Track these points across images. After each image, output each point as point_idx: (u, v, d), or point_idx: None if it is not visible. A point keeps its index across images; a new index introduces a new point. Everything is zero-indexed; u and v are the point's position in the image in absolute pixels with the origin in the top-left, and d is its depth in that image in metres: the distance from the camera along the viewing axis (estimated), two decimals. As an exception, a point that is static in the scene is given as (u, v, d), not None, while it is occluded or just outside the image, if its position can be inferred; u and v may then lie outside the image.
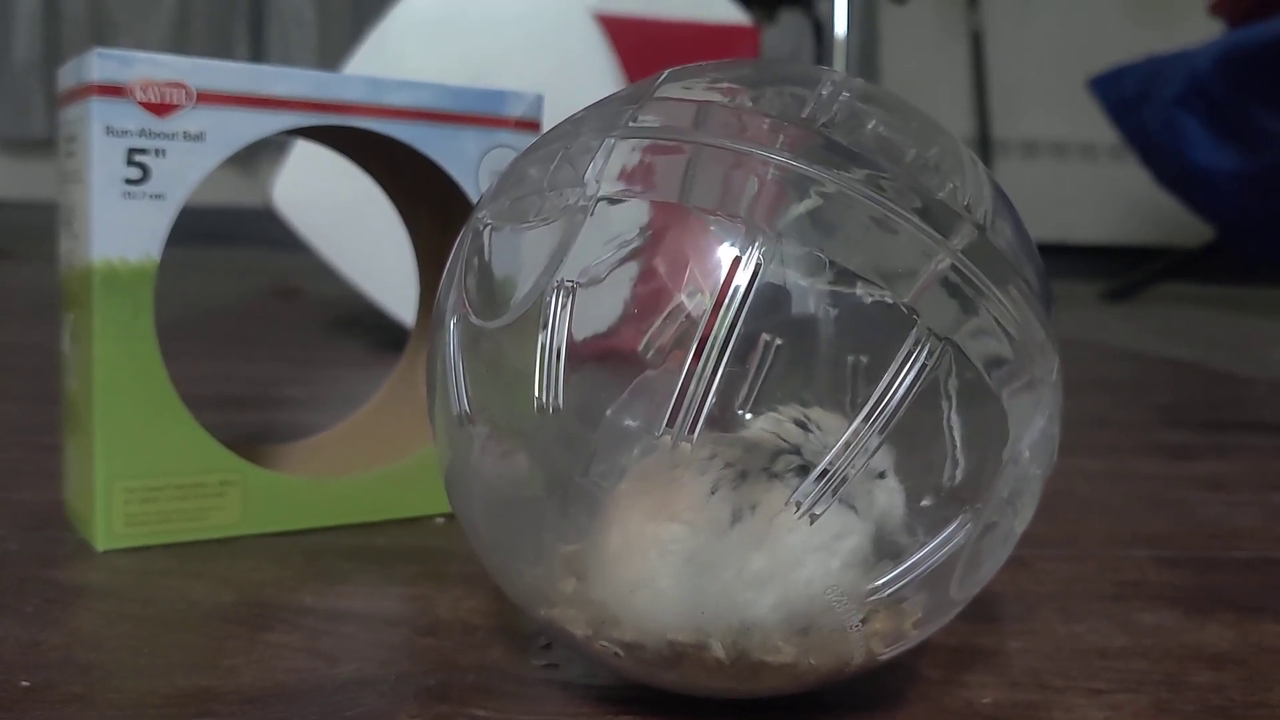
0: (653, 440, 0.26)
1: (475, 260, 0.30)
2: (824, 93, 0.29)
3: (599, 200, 0.27)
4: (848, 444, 0.25)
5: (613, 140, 0.28)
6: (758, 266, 0.25)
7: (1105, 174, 2.77)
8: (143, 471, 0.42)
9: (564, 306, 0.27)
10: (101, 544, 0.42)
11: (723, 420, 0.26)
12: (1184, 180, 2.05)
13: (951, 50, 2.77)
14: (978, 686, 0.32)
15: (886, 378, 0.25)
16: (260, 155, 2.39)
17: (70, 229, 0.43)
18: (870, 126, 0.28)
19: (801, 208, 0.26)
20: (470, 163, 0.47)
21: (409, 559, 0.42)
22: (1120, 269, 2.41)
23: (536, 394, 0.27)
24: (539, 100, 0.49)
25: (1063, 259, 2.88)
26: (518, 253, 0.29)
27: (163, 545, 0.42)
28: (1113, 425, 0.80)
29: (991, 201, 0.29)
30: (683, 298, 0.25)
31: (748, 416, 0.26)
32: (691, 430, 0.25)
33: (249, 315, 1.31)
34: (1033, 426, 0.28)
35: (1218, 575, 0.45)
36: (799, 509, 0.26)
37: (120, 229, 0.41)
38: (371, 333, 1.09)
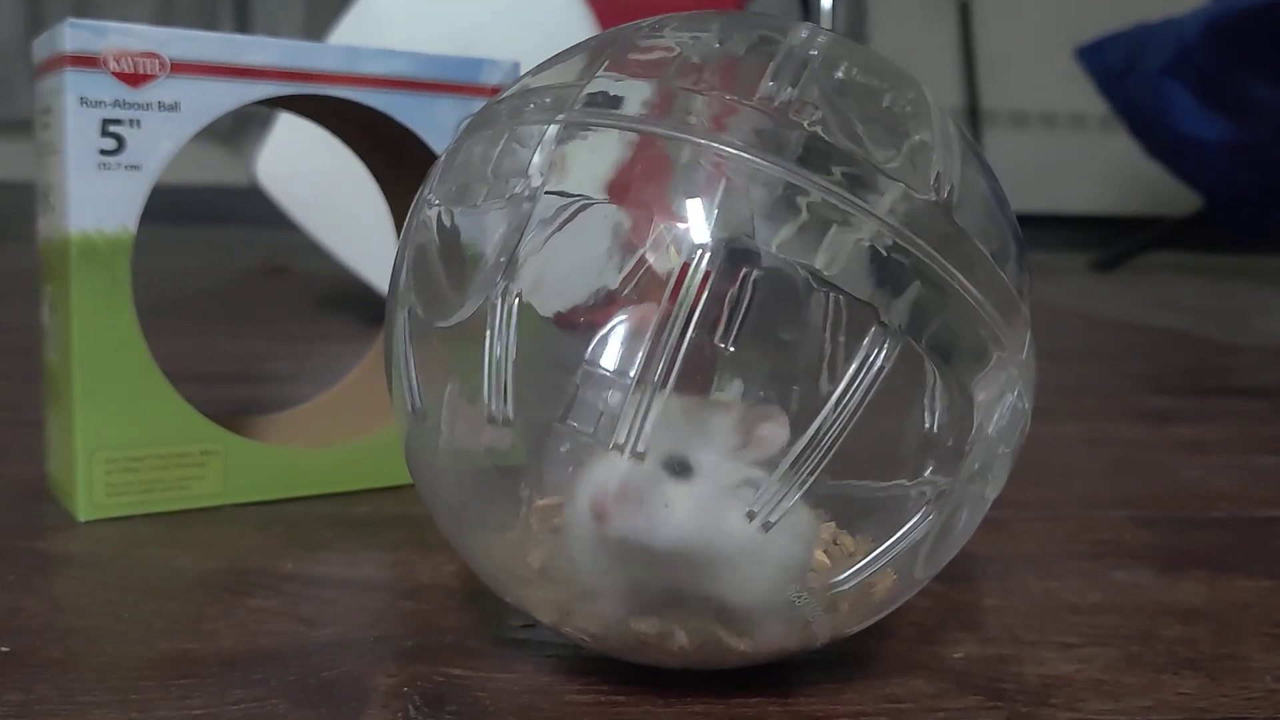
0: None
1: (423, 246, 0.29)
2: (794, 51, 0.28)
3: (543, 193, 0.26)
4: (801, 455, 0.25)
5: (557, 128, 0.27)
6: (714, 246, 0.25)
7: (1095, 144, 2.76)
8: (123, 441, 0.42)
9: (509, 316, 0.26)
10: (83, 514, 0.42)
11: (694, 380, 0.25)
12: (1172, 150, 2.05)
13: (939, 21, 2.76)
14: (950, 642, 0.33)
15: (844, 381, 0.25)
16: (246, 132, 2.37)
17: (47, 201, 0.43)
18: (838, 92, 0.28)
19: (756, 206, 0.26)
20: (447, 131, 0.47)
21: (390, 526, 0.42)
22: (1110, 239, 2.41)
23: (485, 403, 0.26)
24: (515, 67, 0.49)
25: (1052, 229, 2.88)
26: (464, 240, 0.29)
27: (145, 515, 0.43)
28: (1095, 392, 0.81)
29: (959, 167, 0.28)
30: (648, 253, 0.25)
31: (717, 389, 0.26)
32: (664, 385, 0.25)
33: (236, 293, 1.31)
34: (1001, 405, 0.28)
35: (1193, 534, 0.45)
36: (753, 518, 0.26)
37: (96, 200, 0.41)
38: (359, 308, 1.09)
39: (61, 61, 0.41)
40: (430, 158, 0.47)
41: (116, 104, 0.41)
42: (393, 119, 0.46)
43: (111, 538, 0.40)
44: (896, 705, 0.29)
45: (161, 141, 0.42)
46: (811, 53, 0.28)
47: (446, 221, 0.29)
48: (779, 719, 0.28)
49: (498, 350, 0.26)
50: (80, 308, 0.41)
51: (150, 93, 0.42)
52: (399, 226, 0.53)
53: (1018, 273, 0.28)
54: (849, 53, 0.29)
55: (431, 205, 0.29)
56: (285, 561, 0.38)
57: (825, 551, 0.27)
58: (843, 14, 2.49)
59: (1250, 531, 0.46)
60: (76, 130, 0.41)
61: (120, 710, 0.27)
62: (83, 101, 0.41)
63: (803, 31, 0.29)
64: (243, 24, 2.54)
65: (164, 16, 2.47)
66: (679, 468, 0.25)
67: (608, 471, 0.25)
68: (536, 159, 0.27)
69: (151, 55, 0.41)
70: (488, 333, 0.26)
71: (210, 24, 2.50)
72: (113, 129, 0.41)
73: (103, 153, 0.41)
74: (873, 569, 0.27)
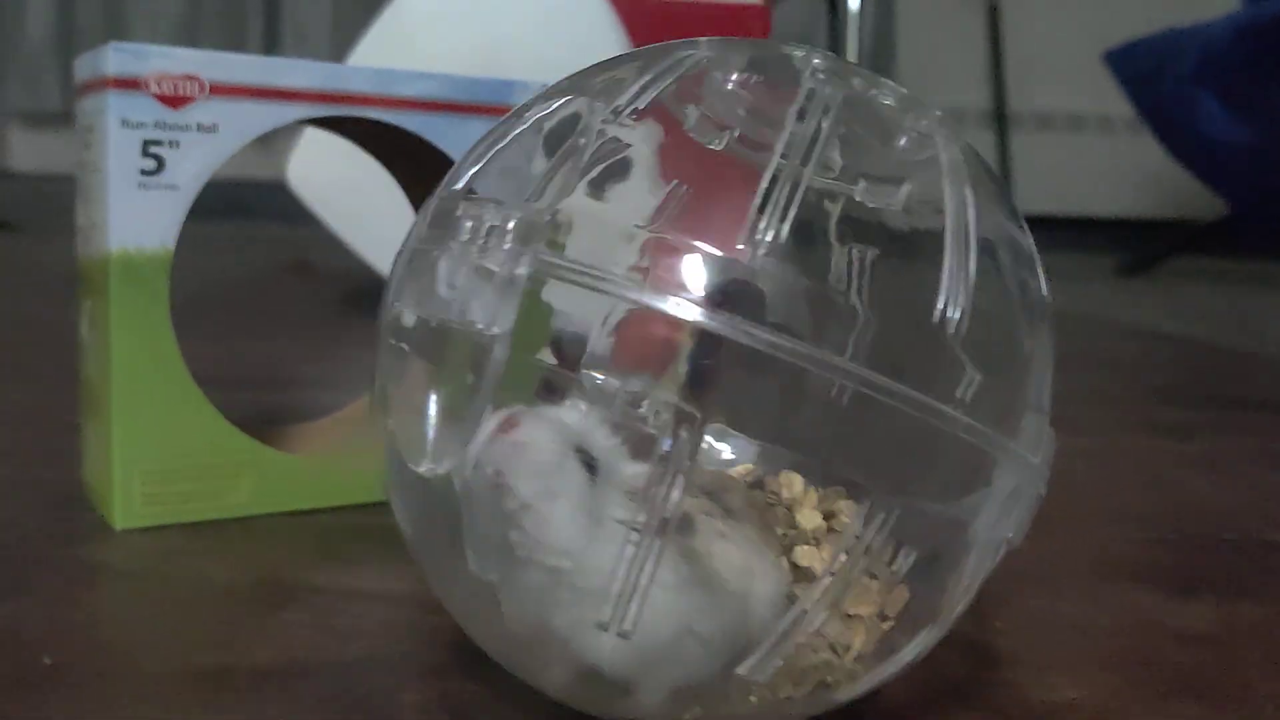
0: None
1: (395, 368, 0.29)
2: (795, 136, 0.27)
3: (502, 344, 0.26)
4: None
5: (523, 272, 0.26)
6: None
7: (1122, 147, 2.75)
8: (159, 454, 0.44)
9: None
10: (120, 523, 0.43)
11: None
12: (1198, 155, 2.05)
13: (968, 22, 2.75)
14: (956, 664, 0.34)
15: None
16: (275, 131, 2.39)
17: (88, 217, 0.45)
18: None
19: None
20: (476, 151, 0.48)
21: (416, 539, 0.44)
22: (1136, 243, 2.41)
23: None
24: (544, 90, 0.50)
25: (1078, 232, 2.87)
26: (433, 374, 0.28)
27: (179, 524, 0.44)
28: (1112, 403, 0.81)
29: (970, 228, 0.26)
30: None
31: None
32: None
33: (263, 291, 1.32)
34: (1008, 505, 0.28)
35: (1203, 556, 0.46)
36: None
37: (136, 219, 0.42)
38: (384, 309, 1.10)
39: (104, 84, 0.42)
40: (459, 177, 0.48)
41: (157, 125, 0.42)
42: (424, 140, 0.47)
43: (147, 547, 0.42)
44: (905, 728, 0.30)
45: (200, 162, 0.43)
46: (821, 123, 0.27)
47: (414, 343, 0.29)
48: (791, 741, 0.29)
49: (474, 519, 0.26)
50: (119, 324, 0.42)
51: (190, 115, 0.43)
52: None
53: (1030, 357, 0.28)
54: (856, 108, 0.28)
55: (399, 320, 0.29)
56: (315, 574, 0.39)
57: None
58: (870, 17, 2.49)
59: (1260, 555, 0.47)
60: (118, 151, 0.42)
61: (161, 723, 0.28)
62: (124, 123, 0.42)
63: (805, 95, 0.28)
64: (271, 30, 2.56)
65: (193, 18, 2.49)
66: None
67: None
68: (498, 309, 0.26)
69: (191, 78, 0.43)
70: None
71: (239, 31, 2.52)
72: (153, 150, 0.42)
73: (143, 173, 0.42)
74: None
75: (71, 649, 0.33)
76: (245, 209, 2.34)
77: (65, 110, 2.61)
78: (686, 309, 0.24)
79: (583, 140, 0.28)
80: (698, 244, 0.25)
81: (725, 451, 0.32)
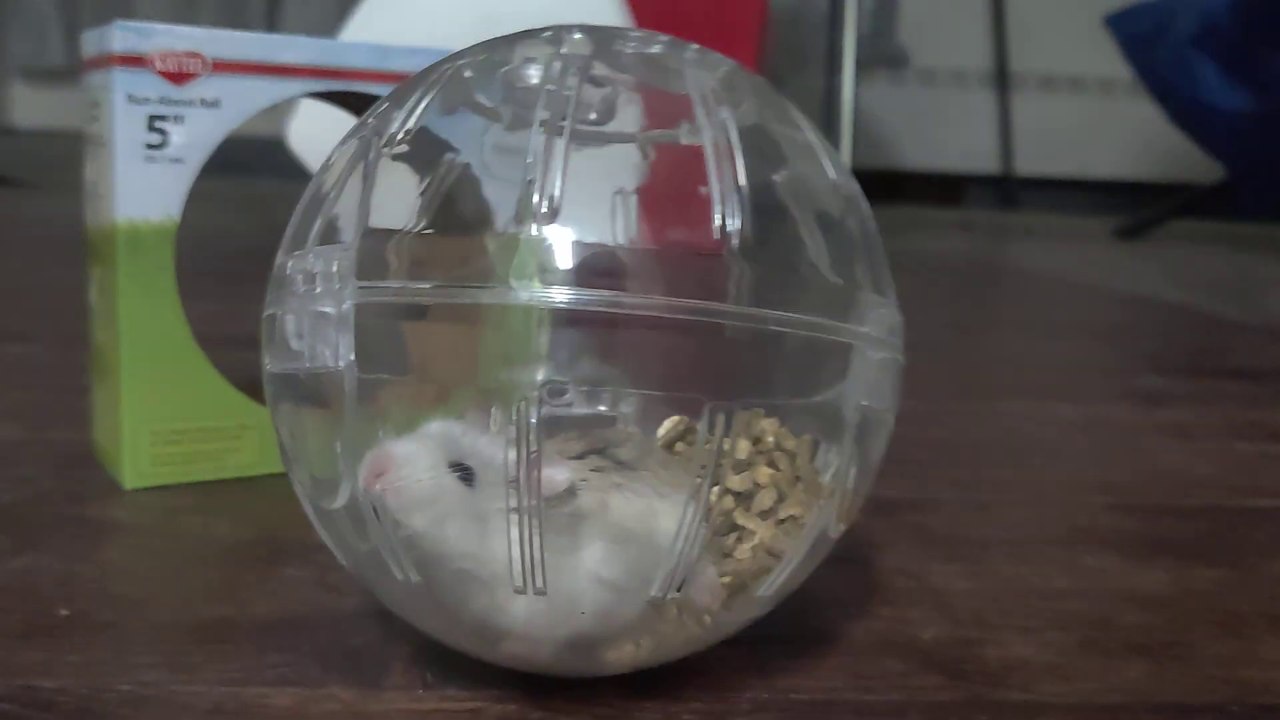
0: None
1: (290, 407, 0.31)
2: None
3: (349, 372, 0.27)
4: None
5: (345, 309, 0.28)
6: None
7: (1122, 110, 2.76)
8: (167, 416, 0.46)
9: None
10: (129, 483, 0.45)
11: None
12: (1195, 120, 2.05)
13: (970, -17, 2.75)
14: (921, 623, 0.36)
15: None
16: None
17: (95, 189, 0.46)
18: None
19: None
20: (471, 125, 0.50)
21: (411, 499, 0.46)
22: (1136, 205, 2.42)
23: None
24: (537, 65, 0.51)
25: (1077, 194, 2.88)
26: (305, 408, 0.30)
27: (185, 484, 0.46)
28: (1095, 371, 0.83)
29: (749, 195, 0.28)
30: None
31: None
32: None
33: (262, 250, 1.33)
34: (872, 383, 0.29)
35: (1165, 522, 0.48)
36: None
37: (142, 191, 0.44)
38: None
39: (110, 60, 0.43)
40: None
41: (162, 101, 0.44)
42: (419, 114, 0.49)
43: (154, 505, 0.44)
44: (866, 683, 0.32)
45: (204, 136, 0.45)
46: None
47: (291, 396, 0.30)
48: (768, 707, 0.31)
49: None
50: (127, 292, 0.44)
51: (193, 90, 0.44)
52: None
53: (852, 253, 0.30)
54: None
55: (270, 374, 0.31)
56: (314, 532, 0.41)
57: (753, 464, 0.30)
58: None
59: (1221, 520, 0.48)
60: (124, 126, 0.43)
61: (170, 672, 0.30)
62: (130, 99, 0.43)
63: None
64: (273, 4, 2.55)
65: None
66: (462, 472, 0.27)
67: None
68: (338, 343, 0.28)
69: (194, 55, 0.44)
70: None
71: (241, 6, 2.52)
72: (158, 124, 0.44)
73: (149, 147, 0.44)
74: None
75: (85, 601, 0.35)
76: (242, 166, 2.35)
77: (69, 66, 2.61)
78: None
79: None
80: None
81: (601, 409, 0.33)
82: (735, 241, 0.27)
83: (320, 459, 0.29)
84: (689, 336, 0.26)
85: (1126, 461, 0.58)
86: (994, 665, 0.33)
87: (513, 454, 0.26)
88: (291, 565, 0.38)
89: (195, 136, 0.45)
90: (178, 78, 0.44)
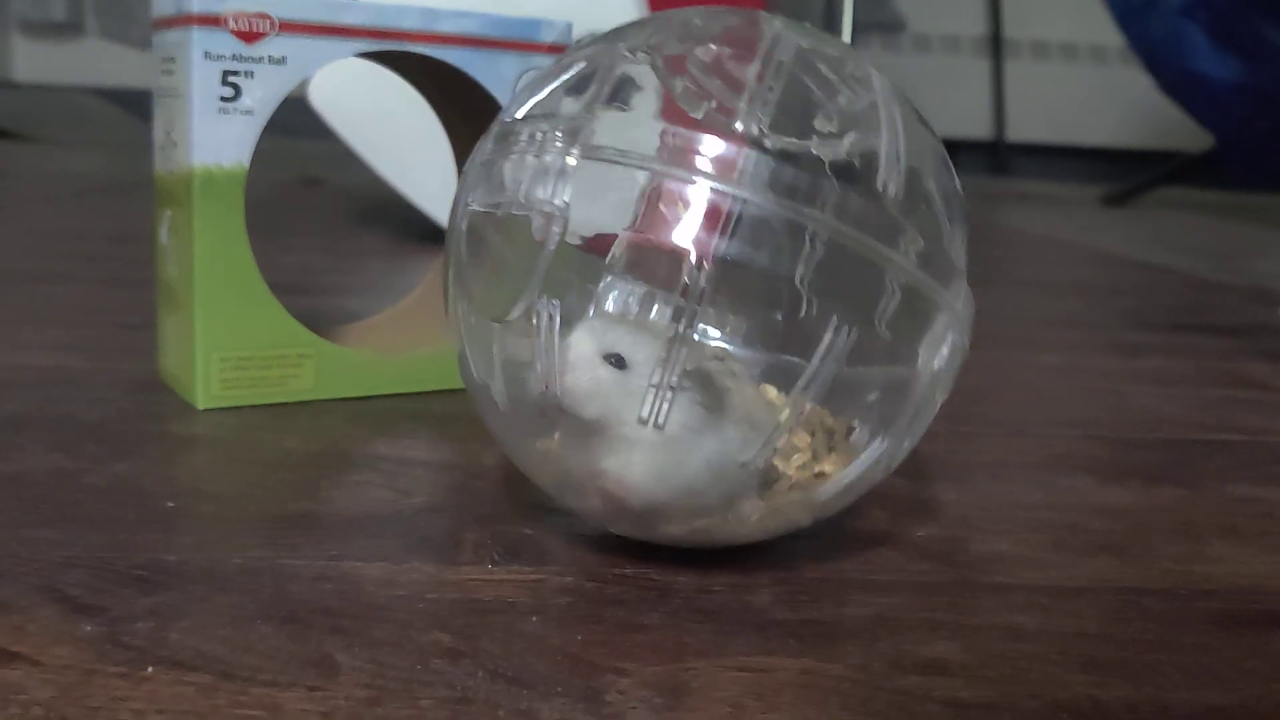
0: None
1: (468, 250, 0.36)
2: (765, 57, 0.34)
3: (567, 217, 0.33)
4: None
5: (574, 160, 0.33)
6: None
7: (1115, 77, 2.79)
8: (234, 344, 0.50)
9: (550, 323, 0.33)
10: (202, 404, 0.50)
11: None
12: (1185, 88, 2.09)
13: (965, -51, 2.78)
14: (916, 525, 0.41)
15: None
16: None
17: (169, 138, 0.51)
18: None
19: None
20: (508, 83, 0.55)
21: (459, 421, 0.51)
22: (1127, 173, 2.46)
23: (538, 384, 0.34)
24: (569, 27, 0.56)
25: (1069, 160, 2.93)
26: (505, 250, 0.36)
27: (251, 406, 0.51)
28: (1079, 325, 0.88)
29: (900, 152, 0.33)
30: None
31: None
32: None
33: (280, 204, 1.38)
34: (942, 348, 0.35)
35: (1135, 452, 0.53)
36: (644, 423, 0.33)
37: (216, 140, 0.49)
38: (398, 222, 1.17)
39: (189, 20, 0.48)
40: (492, 105, 0.54)
41: (234, 58, 0.48)
42: (462, 72, 0.53)
43: (228, 423, 0.49)
44: (869, 567, 0.37)
45: (271, 90, 0.49)
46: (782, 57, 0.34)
47: (489, 231, 0.36)
48: (786, 582, 0.36)
49: (547, 350, 0.33)
50: (202, 231, 0.49)
51: (262, 48, 0.49)
52: (460, 162, 0.60)
53: (954, 236, 0.35)
54: (814, 45, 0.35)
55: (473, 214, 0.36)
56: (378, 446, 0.46)
57: (810, 434, 0.35)
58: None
59: (1186, 451, 0.54)
60: (201, 80, 0.48)
61: (274, 549, 0.35)
62: (206, 55, 0.48)
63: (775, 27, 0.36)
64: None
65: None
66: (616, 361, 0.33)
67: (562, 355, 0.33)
68: (557, 190, 0.33)
69: (264, 16, 0.49)
70: (534, 333, 0.33)
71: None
72: (231, 79, 0.49)
73: (222, 99, 0.49)
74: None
75: (186, 497, 0.40)
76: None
77: (70, 21, 2.64)
78: (704, 181, 0.32)
79: (603, 76, 0.35)
80: (705, 136, 0.32)
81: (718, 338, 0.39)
82: (890, 197, 0.33)
83: (502, 284, 0.35)
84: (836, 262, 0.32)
85: (1103, 402, 0.63)
86: (977, 556, 0.39)
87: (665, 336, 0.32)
88: (360, 473, 0.43)
89: (264, 90, 0.49)
90: (249, 36, 0.49)
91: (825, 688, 0.29)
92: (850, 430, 0.36)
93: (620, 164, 0.33)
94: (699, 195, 0.32)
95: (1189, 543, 0.41)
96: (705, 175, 0.32)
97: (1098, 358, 0.76)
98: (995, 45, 2.86)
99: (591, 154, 0.33)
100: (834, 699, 0.29)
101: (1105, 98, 2.84)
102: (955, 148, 2.99)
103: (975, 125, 2.90)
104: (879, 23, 2.78)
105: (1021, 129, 2.90)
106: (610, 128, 0.34)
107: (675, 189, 0.32)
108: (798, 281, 0.32)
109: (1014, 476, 0.48)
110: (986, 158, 2.93)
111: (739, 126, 0.33)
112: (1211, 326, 0.92)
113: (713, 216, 0.32)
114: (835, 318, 0.32)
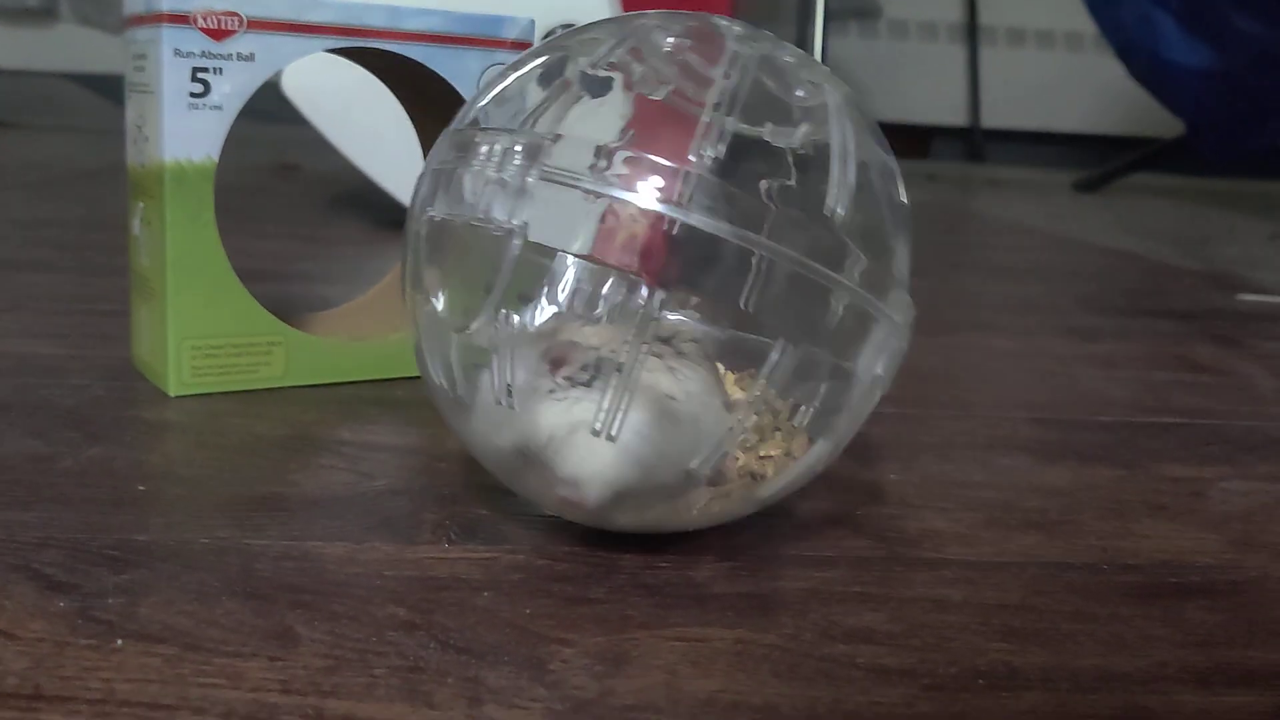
0: None
1: (427, 251, 0.38)
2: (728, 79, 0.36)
3: (520, 234, 0.34)
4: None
5: (532, 180, 0.34)
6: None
7: (1090, 64, 2.82)
8: (205, 332, 0.52)
9: (508, 335, 0.35)
10: (173, 391, 0.52)
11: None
12: (1155, 75, 2.11)
13: (940, -64, 2.80)
14: (856, 505, 0.43)
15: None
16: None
17: (140, 133, 0.52)
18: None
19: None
20: (472, 77, 0.56)
21: (423, 406, 0.52)
22: (1101, 159, 2.49)
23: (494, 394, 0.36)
24: (531, 24, 0.58)
25: (1043, 146, 2.95)
26: (464, 257, 0.38)
27: (222, 393, 0.52)
28: (1035, 309, 0.91)
29: (852, 179, 0.35)
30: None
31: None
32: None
33: (255, 191, 1.39)
34: (883, 353, 0.37)
35: (1077, 433, 0.55)
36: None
37: (186, 135, 0.50)
38: (372, 209, 1.18)
39: (159, 18, 0.49)
40: (456, 99, 0.56)
41: (204, 55, 0.50)
42: (427, 68, 0.55)
43: (199, 409, 0.50)
44: (808, 544, 0.39)
45: (240, 86, 0.51)
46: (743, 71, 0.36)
47: (447, 240, 0.38)
48: (727, 558, 0.38)
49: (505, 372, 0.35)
50: (173, 223, 0.51)
51: (231, 45, 0.50)
52: (426, 153, 0.62)
53: (896, 248, 0.37)
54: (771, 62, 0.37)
55: (433, 221, 0.38)
56: (343, 431, 0.48)
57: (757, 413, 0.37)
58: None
59: (1126, 433, 0.56)
60: (171, 76, 0.50)
61: (240, 530, 0.37)
62: (176, 52, 0.49)
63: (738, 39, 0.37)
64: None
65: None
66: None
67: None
68: (509, 211, 0.35)
69: (232, 14, 0.50)
70: (494, 358, 0.36)
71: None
72: (200, 75, 0.50)
73: (192, 95, 0.50)
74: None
75: (157, 480, 0.41)
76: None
77: (44, 7, 2.63)
78: (650, 202, 0.33)
79: (569, 81, 0.36)
80: (657, 159, 0.33)
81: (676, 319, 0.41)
82: (838, 221, 0.34)
83: (460, 292, 0.37)
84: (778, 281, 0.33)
85: (1051, 386, 0.65)
86: (912, 533, 0.41)
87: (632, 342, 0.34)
88: (325, 457, 0.45)
89: (233, 86, 0.51)
90: (217, 34, 0.50)
91: (757, 655, 0.31)
92: (795, 409, 0.38)
93: (577, 188, 0.34)
94: (651, 220, 0.33)
95: (1117, 520, 0.44)
96: (659, 200, 0.33)
97: (1051, 341, 0.78)
98: (971, 32, 2.88)
99: (549, 176, 0.34)
100: (765, 666, 0.31)
101: (1080, 84, 2.86)
102: (931, 134, 3.01)
103: (951, 112, 2.93)
104: (855, 9, 2.79)
105: (997, 115, 2.92)
106: (567, 147, 0.34)
107: (627, 213, 0.34)
108: (743, 305, 0.33)
109: (955, 457, 0.50)
110: (961, 144, 2.95)
111: (701, 115, 0.34)
112: (1166, 311, 0.94)
113: (662, 240, 0.33)
114: (781, 340, 0.34)
